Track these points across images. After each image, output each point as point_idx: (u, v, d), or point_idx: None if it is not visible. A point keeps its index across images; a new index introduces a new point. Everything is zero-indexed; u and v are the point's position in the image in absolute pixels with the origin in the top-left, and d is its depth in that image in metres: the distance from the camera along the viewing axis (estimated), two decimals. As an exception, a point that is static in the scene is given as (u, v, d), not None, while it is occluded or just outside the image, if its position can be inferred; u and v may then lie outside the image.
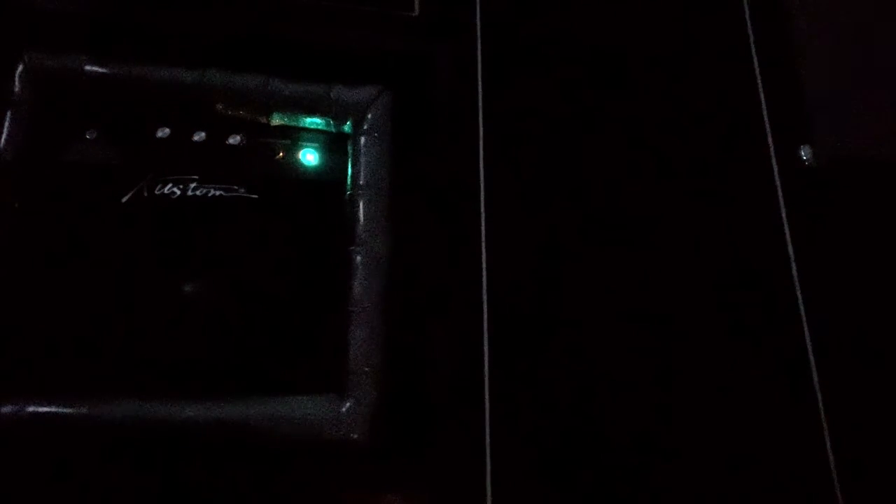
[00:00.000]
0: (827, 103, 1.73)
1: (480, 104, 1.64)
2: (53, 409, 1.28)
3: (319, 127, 1.56)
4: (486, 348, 1.47)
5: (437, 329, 1.48)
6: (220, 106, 1.52)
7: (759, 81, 1.75)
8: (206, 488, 1.32)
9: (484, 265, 1.52)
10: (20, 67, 1.44)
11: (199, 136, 1.51)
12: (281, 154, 1.54)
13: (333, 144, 1.56)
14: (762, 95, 1.74)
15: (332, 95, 1.53)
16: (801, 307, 1.58)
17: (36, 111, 1.45)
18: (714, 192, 1.67)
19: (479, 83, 1.66)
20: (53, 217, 1.43)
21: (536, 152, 1.65)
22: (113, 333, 1.38)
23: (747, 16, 1.80)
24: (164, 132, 1.50)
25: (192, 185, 1.47)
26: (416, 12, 1.68)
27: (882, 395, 1.55)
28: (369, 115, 1.53)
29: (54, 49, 1.47)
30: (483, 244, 1.54)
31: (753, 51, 1.77)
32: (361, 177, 1.50)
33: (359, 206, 1.47)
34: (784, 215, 1.65)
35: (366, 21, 1.65)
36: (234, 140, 1.52)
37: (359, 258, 1.44)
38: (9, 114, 1.43)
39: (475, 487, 1.38)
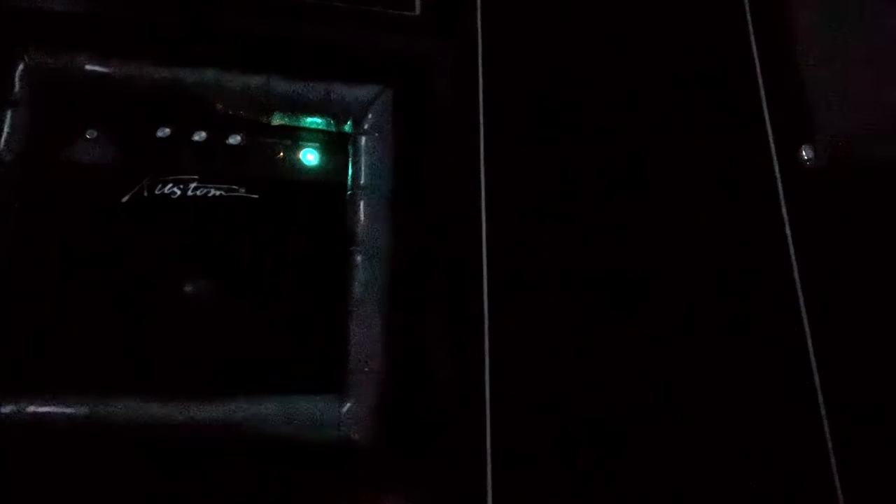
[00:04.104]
0: (827, 103, 1.73)
1: (481, 104, 1.64)
2: (53, 409, 1.28)
3: (320, 127, 1.56)
4: (486, 348, 1.47)
5: (438, 329, 1.48)
6: (220, 106, 1.52)
7: (759, 81, 1.75)
8: (206, 488, 1.32)
9: (485, 264, 1.52)
10: (20, 67, 1.44)
11: (199, 136, 1.51)
12: (281, 154, 1.54)
13: (333, 144, 1.56)
14: (763, 95, 1.74)
15: (332, 95, 1.53)
16: (802, 306, 1.58)
17: (36, 111, 1.45)
18: (715, 192, 1.67)
19: (480, 83, 1.65)
20: (53, 217, 1.43)
21: (537, 152, 1.65)
22: (113, 333, 1.38)
23: (748, 16, 1.80)
24: (164, 132, 1.50)
25: (192, 185, 1.47)
26: (417, 12, 1.68)
27: (883, 395, 1.55)
28: (370, 115, 1.53)
29: (54, 49, 1.47)
30: (484, 244, 1.53)
31: (754, 51, 1.78)
32: (362, 177, 1.50)
33: (359, 206, 1.47)
34: (784, 215, 1.65)
35: (366, 21, 1.65)
36: (234, 140, 1.52)
37: (359, 258, 1.44)
38: (9, 114, 1.43)
39: (476, 488, 1.38)
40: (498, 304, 1.50)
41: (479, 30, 1.70)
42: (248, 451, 1.33)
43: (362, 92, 1.54)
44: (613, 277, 1.57)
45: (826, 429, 1.50)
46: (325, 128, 1.56)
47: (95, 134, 1.49)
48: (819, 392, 1.52)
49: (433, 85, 1.65)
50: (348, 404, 1.34)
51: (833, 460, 1.48)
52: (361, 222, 1.46)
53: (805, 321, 1.57)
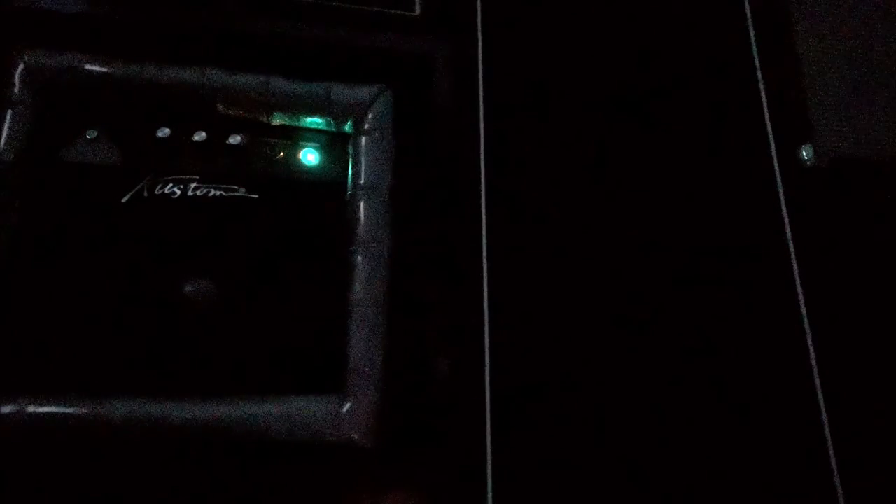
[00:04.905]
0: (827, 103, 1.73)
1: (481, 103, 1.64)
2: (53, 409, 1.28)
3: (320, 127, 1.56)
4: (486, 348, 1.47)
5: (438, 329, 1.48)
6: (220, 106, 1.52)
7: (759, 81, 1.75)
8: (206, 488, 1.32)
9: (485, 265, 1.52)
10: (20, 67, 1.44)
11: (199, 136, 1.51)
12: (281, 154, 1.54)
13: (334, 144, 1.56)
14: (763, 95, 1.75)
15: (332, 95, 1.53)
16: (803, 307, 1.58)
17: (36, 111, 1.45)
18: (714, 192, 1.67)
19: (480, 83, 1.66)
20: (53, 217, 1.43)
21: (538, 151, 1.65)
22: (113, 333, 1.38)
23: (749, 16, 1.80)
24: (164, 132, 1.50)
25: (193, 185, 1.47)
26: (417, 12, 1.68)
27: (883, 395, 1.55)
28: (370, 115, 1.53)
29: (54, 49, 1.47)
30: (484, 243, 1.53)
31: (755, 51, 1.78)
32: (362, 177, 1.50)
33: (359, 206, 1.47)
34: (784, 215, 1.65)
35: (366, 21, 1.65)
36: (234, 140, 1.52)
37: (359, 258, 1.44)
38: (9, 114, 1.43)
39: (476, 488, 1.38)
40: (498, 304, 1.50)
41: (479, 30, 1.70)
42: (248, 451, 1.33)
43: (362, 92, 1.54)
44: (613, 277, 1.57)
45: (826, 429, 1.50)
46: (325, 128, 1.56)
47: (95, 134, 1.49)
48: (819, 392, 1.52)
49: (433, 85, 1.65)
50: (348, 404, 1.34)
51: (833, 460, 1.48)
52: (361, 222, 1.46)
53: (805, 321, 1.57)
